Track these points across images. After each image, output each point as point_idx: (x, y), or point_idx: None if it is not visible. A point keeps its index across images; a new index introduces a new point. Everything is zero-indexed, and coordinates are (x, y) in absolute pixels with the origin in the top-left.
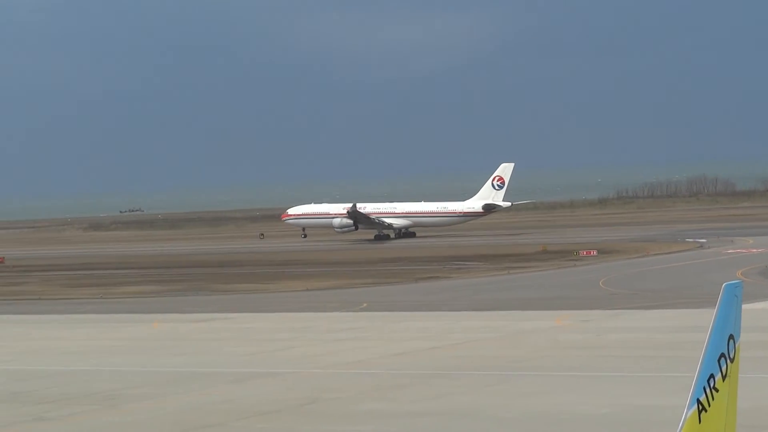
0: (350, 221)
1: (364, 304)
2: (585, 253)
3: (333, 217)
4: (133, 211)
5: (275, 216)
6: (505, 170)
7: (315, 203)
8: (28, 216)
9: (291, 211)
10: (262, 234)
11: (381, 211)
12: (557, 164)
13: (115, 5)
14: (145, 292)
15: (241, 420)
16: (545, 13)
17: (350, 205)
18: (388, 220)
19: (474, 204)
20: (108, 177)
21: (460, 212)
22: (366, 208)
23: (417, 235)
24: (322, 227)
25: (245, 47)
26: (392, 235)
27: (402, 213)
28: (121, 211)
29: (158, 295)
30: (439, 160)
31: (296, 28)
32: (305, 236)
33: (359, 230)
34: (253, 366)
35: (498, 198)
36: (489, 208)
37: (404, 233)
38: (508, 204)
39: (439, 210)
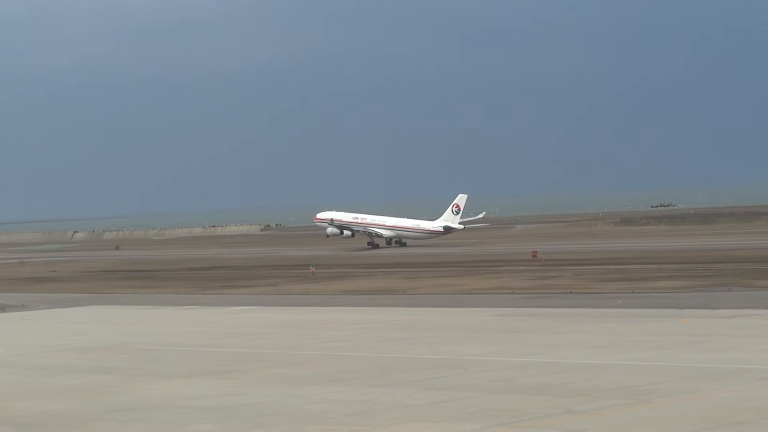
0: (336, 230)
1: None
2: None
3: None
4: (665, 206)
5: None
6: (461, 200)
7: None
8: (561, 210)
9: (319, 215)
10: None
11: (376, 222)
12: None
13: None
14: (675, 288)
15: None
16: None
17: (359, 215)
18: (380, 231)
19: (437, 225)
20: (636, 172)
21: (427, 230)
22: (366, 219)
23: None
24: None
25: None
26: (380, 244)
27: (389, 226)
28: (652, 206)
29: (689, 290)
30: None
31: None
32: (328, 236)
33: (354, 237)
34: None
35: (455, 221)
36: (448, 230)
37: (396, 242)
38: (462, 227)
39: (414, 226)
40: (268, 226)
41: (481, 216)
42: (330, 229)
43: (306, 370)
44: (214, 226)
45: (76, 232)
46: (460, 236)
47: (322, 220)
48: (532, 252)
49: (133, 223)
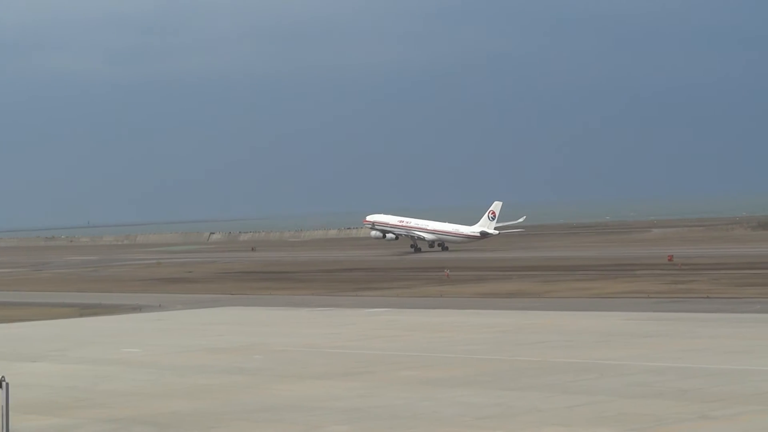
0: (379, 233)
1: None
2: None
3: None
4: None
5: None
6: (497, 206)
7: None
8: (699, 214)
9: (368, 218)
10: None
11: (419, 226)
12: None
13: None
14: None
15: None
16: None
17: (404, 219)
18: (422, 234)
19: (475, 229)
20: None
21: (465, 234)
22: (410, 222)
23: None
24: None
25: None
26: (422, 248)
27: (431, 230)
28: None
29: None
30: None
31: None
32: (378, 239)
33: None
34: None
35: (490, 227)
36: (484, 234)
37: (438, 245)
38: (497, 232)
39: (453, 231)
40: None
41: (521, 220)
42: (373, 233)
43: (439, 373)
44: (349, 228)
45: (213, 233)
46: (592, 240)
47: (370, 223)
48: (669, 256)
49: (269, 224)
